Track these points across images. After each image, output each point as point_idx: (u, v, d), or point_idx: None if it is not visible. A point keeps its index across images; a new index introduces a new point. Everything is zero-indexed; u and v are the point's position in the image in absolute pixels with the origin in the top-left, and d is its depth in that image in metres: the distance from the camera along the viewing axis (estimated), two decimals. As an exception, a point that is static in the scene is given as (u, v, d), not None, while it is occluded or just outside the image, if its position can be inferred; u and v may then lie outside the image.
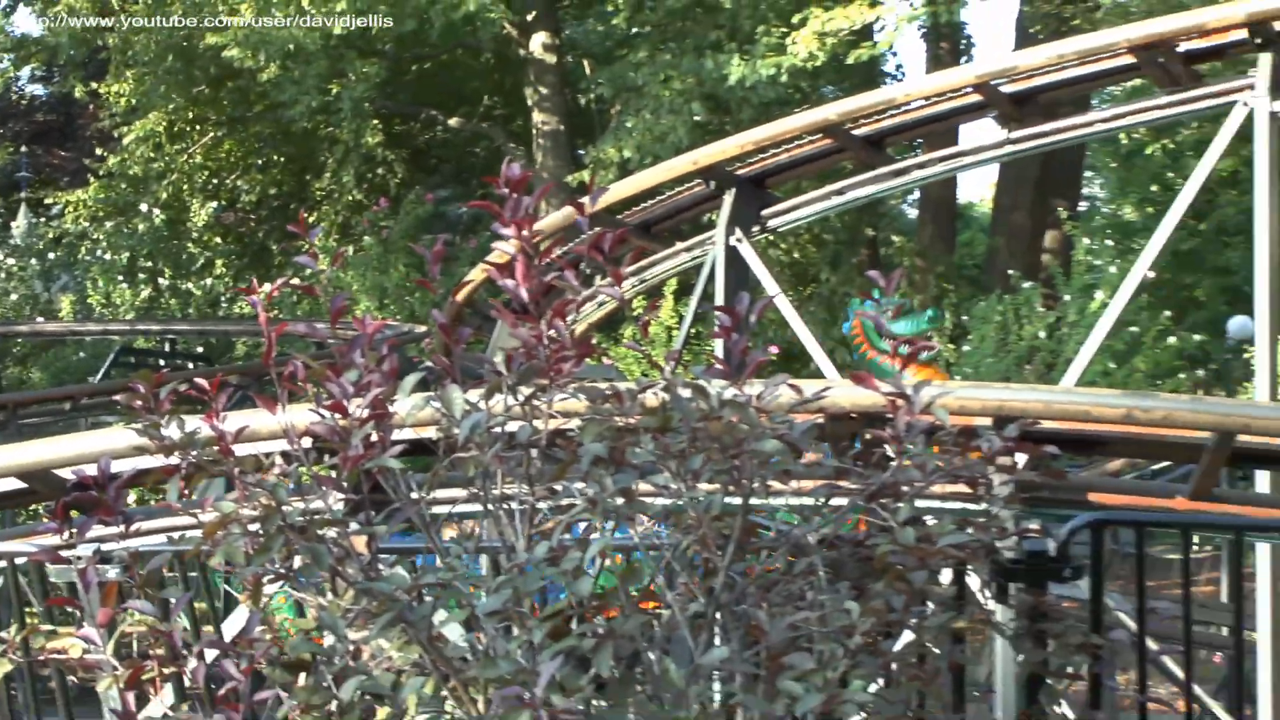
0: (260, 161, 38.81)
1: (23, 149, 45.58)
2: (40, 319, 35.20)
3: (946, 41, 34.42)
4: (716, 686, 5.38)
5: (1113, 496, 10.19)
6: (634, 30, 31.99)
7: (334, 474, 5.23)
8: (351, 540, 5.22)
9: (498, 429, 5.29)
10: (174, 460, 5.37)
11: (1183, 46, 13.59)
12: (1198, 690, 12.74)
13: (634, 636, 5.07)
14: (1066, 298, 26.59)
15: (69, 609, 6.61)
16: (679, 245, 16.71)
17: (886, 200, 30.45)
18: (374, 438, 5.21)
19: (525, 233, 5.35)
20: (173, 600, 5.26)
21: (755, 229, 15.66)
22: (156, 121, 35.98)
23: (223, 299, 35.19)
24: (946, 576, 6.22)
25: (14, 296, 36.74)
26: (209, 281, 35.95)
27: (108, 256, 36.28)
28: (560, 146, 32.92)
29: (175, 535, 6.88)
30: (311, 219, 34.93)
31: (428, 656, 5.10)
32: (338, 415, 5.20)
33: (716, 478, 5.41)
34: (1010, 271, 29.67)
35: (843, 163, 16.16)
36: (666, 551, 5.38)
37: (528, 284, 5.36)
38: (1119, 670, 7.44)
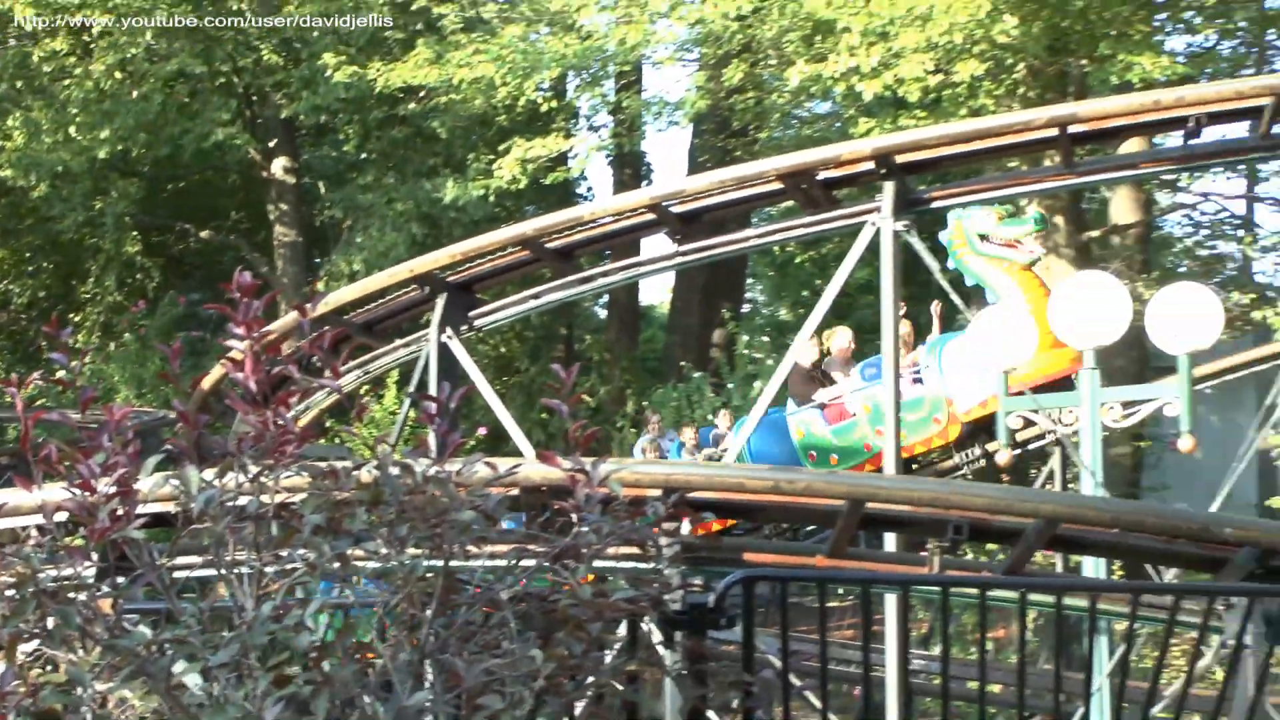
0: (31, 268, 38.16)
1: None
2: None
3: (630, 167, 34.84)
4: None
5: (763, 555, 10.41)
6: (363, 156, 32.03)
7: (85, 544, 5.22)
8: (99, 603, 5.20)
9: (230, 503, 5.32)
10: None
11: (821, 175, 13.94)
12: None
13: (348, 683, 5.11)
14: (730, 385, 27.04)
15: None
16: (398, 342, 16.75)
17: (579, 302, 30.68)
18: (120, 512, 5.20)
19: (254, 333, 5.40)
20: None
21: (464, 328, 15.74)
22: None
23: (-3, 391, 34.33)
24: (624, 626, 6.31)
25: None
26: (-18, 376, 35.17)
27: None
28: (299, 257, 32.77)
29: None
30: (77, 319, 34.57)
31: (166, 704, 5.09)
32: (87, 493, 5.20)
33: (422, 543, 5.48)
34: (683, 363, 30.07)
35: (541, 270, 16.26)
36: (379, 608, 5.44)
37: (255, 377, 5.41)
38: (775, 704, 7.56)
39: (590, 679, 5.63)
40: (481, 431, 15.12)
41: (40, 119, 29.78)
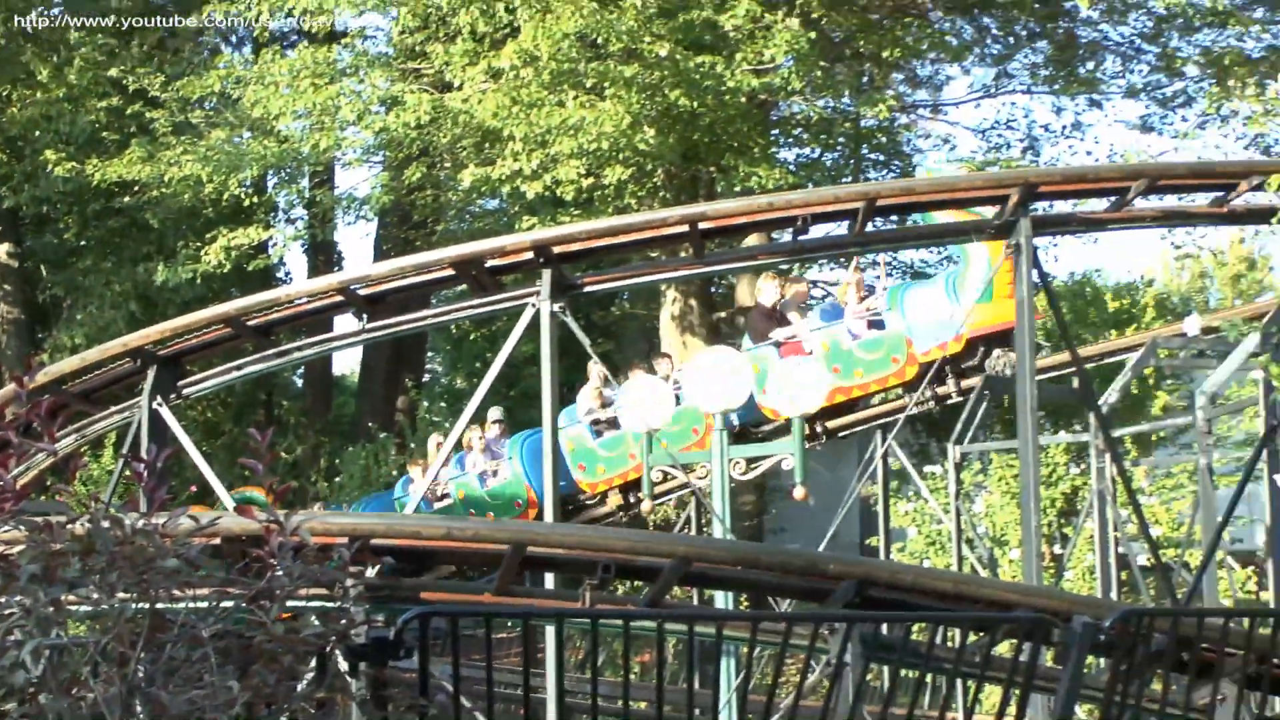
0: None
1: None
2: None
3: (323, 254, 34.53)
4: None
5: (439, 594, 10.40)
6: (82, 243, 31.26)
7: None
8: None
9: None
10: None
11: (489, 263, 14.03)
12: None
13: (63, 716, 4.98)
14: (412, 445, 27.00)
15: None
16: (113, 408, 16.32)
17: (279, 371, 30.25)
18: None
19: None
20: None
21: (173, 396, 15.43)
22: None
23: None
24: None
25: None
26: None
27: None
28: (23, 333, 31.73)
29: None
30: None
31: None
32: None
33: (131, 588, 5.39)
34: (371, 425, 29.89)
35: (243, 344, 16.04)
36: (91, 647, 5.32)
37: (-24, 443, 5.29)
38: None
39: (284, 706, 5.60)
40: (193, 489, 14.81)
41: None
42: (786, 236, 14.56)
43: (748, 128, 24.59)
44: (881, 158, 29.91)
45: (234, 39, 32.52)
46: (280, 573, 5.66)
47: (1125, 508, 17.75)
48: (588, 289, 14.35)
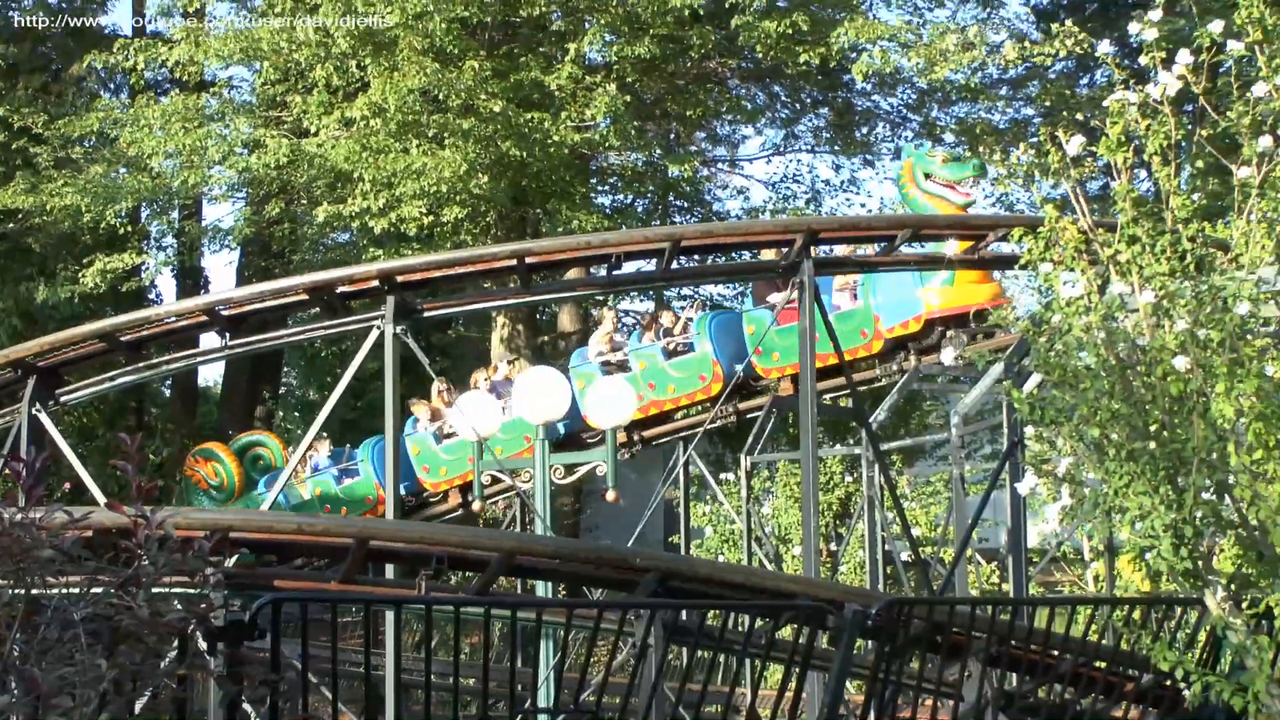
0: None
1: None
2: None
3: (191, 279, 33.74)
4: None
5: (291, 583, 10.22)
6: (-32, 265, 30.45)
7: None
8: None
9: None
10: None
11: (339, 289, 13.85)
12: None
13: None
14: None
15: None
16: (-3, 413, 15.84)
17: (149, 382, 29.53)
18: None
19: None
20: None
21: (52, 403, 15.00)
22: None
23: None
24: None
25: None
26: None
27: None
28: (-93, 346, 30.73)
29: None
30: None
31: None
32: None
33: (8, 576, 5.26)
34: (231, 431, 29.38)
35: (117, 358, 15.62)
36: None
37: None
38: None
39: (149, 682, 5.50)
40: (66, 486, 14.38)
41: None
42: (602, 271, 14.57)
43: (570, 176, 24.66)
44: (685, 204, 30.15)
45: (112, 85, 31.89)
46: (146, 562, 5.55)
47: (891, 511, 18.04)
48: (427, 314, 14.23)
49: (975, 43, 25.18)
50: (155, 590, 5.60)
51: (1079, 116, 22.67)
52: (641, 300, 31.44)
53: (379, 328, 13.28)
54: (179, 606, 5.65)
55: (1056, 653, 8.50)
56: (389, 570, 13.40)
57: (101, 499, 14.91)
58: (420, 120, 22.66)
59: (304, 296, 14.17)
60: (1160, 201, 7.29)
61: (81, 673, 5.07)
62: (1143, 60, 7.62)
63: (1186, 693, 6.98)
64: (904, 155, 18.00)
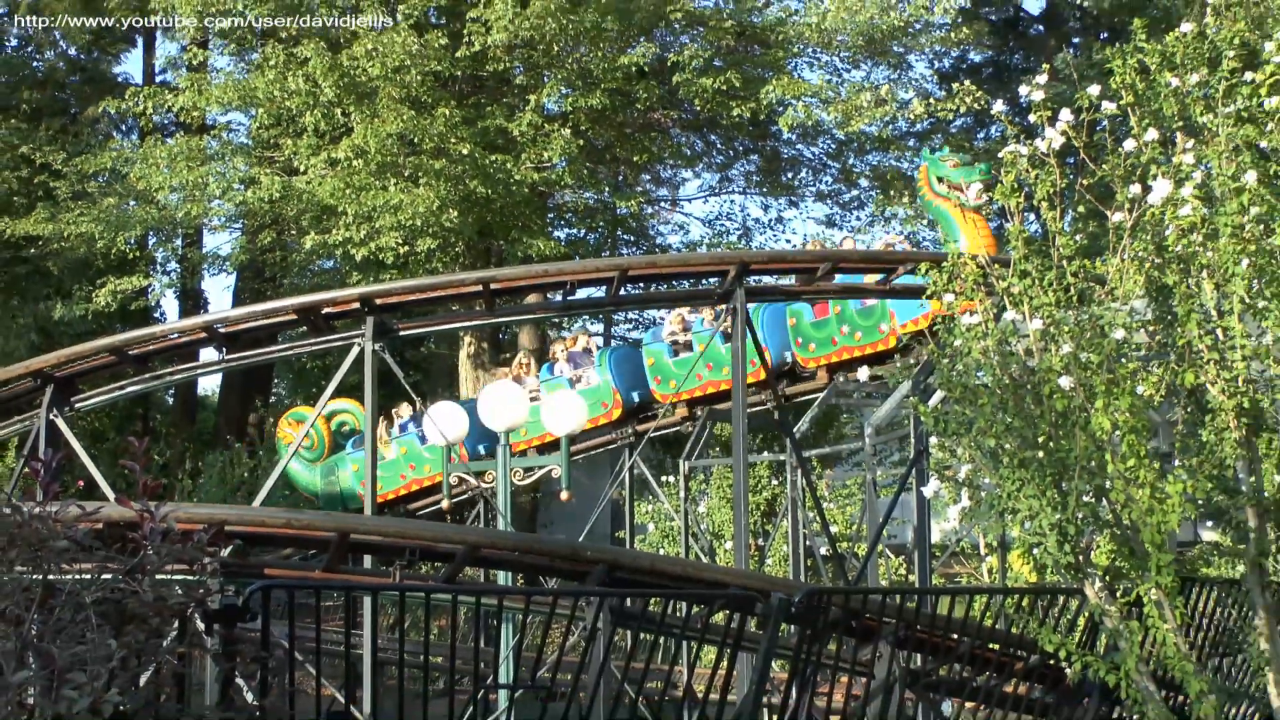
0: None
1: None
2: None
3: (192, 300, 33.44)
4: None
5: (280, 571, 10.15)
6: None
7: None
8: None
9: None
10: None
11: (324, 310, 13.75)
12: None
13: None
14: (260, 453, 26.37)
15: None
16: (16, 418, 15.60)
17: (154, 391, 29.22)
18: None
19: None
20: None
21: (67, 409, 14.82)
22: None
23: None
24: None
25: None
26: None
27: None
28: (-65, 356, 30.34)
29: None
30: None
31: None
32: None
33: (27, 563, 5.22)
34: (228, 436, 29.14)
35: (125, 370, 15.44)
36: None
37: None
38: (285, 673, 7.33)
39: (152, 659, 5.45)
40: (80, 484, 14.22)
41: None
42: (558, 297, 14.54)
43: (530, 211, 24.68)
44: (632, 238, 30.23)
45: (124, 127, 31.75)
46: (151, 552, 5.52)
47: (812, 511, 18.09)
48: (403, 333, 14.16)
49: (887, 99, 25.40)
50: (158, 577, 5.57)
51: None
52: (593, 322, 31.49)
53: (359, 345, 13.20)
54: (179, 591, 5.62)
55: (956, 636, 8.54)
56: (367, 560, 13.32)
57: (111, 495, 14.78)
58: (398, 161, 22.66)
59: (293, 316, 14.06)
60: (1047, 241, 7.36)
61: (93, 650, 5.04)
62: (1032, 118, 7.71)
63: (1068, 670, 7.03)
64: (921, 161, 17.27)
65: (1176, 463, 6.95)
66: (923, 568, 13.65)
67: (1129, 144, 7.33)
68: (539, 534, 24.72)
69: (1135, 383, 6.65)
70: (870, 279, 14.75)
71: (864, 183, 29.88)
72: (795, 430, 17.32)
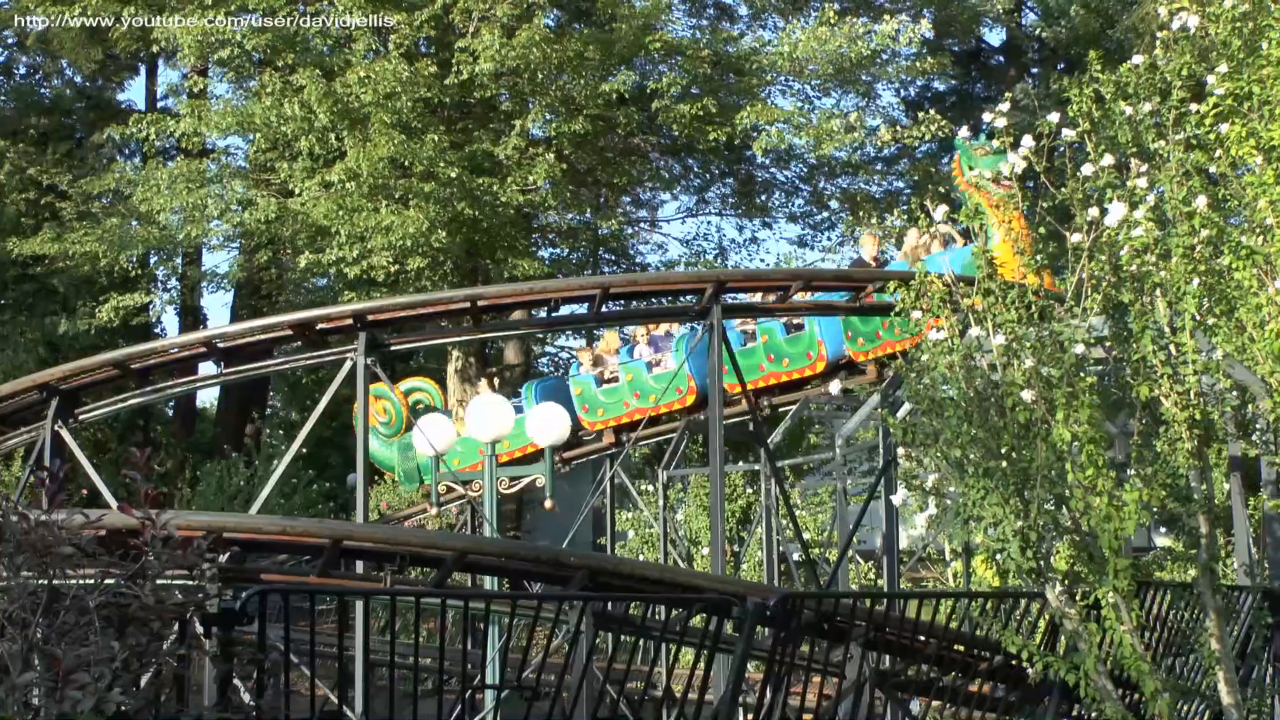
0: None
1: None
2: None
3: (191, 315, 33.32)
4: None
5: (276, 576, 10.09)
6: (2, 301, 29.96)
7: None
8: None
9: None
10: None
11: (319, 326, 13.65)
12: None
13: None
14: (256, 462, 26.23)
15: None
16: (23, 429, 15.48)
17: (155, 403, 29.11)
18: None
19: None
20: None
21: (72, 420, 14.72)
22: None
23: None
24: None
25: None
26: None
27: None
28: (-52, 370, 30.17)
29: None
30: None
31: None
32: None
33: (33, 568, 5.19)
34: (225, 446, 28.99)
35: (127, 383, 15.34)
36: (-1, 614, 5.08)
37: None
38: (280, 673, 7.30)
39: (153, 660, 5.42)
40: (84, 492, 14.13)
41: None
42: (542, 313, 14.52)
43: (515, 232, 24.68)
44: (613, 257, 30.26)
45: (127, 151, 31.70)
46: (152, 558, 5.49)
47: (785, 518, 18.08)
48: (393, 348, 14.11)
49: (856, 126, 25.51)
50: (159, 582, 5.54)
51: (942, 189, 22.99)
52: (575, 338, 31.49)
53: (352, 359, 13.14)
54: (179, 596, 5.59)
55: (923, 638, 8.55)
56: (359, 566, 13.26)
57: (113, 503, 14.67)
58: (389, 184, 22.64)
59: (288, 332, 13.99)
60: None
61: (96, 652, 5.02)
62: (994, 144, 7.75)
63: (1030, 671, 7.04)
64: (955, 148, 16.29)
65: (1132, 472, 6.97)
66: (891, 573, 13.65)
67: (1086, 169, 7.37)
68: (524, 541, 24.66)
69: (1094, 395, 6.67)
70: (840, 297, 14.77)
71: (834, 204, 29.99)
72: (770, 441, 17.32)
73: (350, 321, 13.35)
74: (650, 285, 16.09)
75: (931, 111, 25.80)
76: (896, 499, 7.23)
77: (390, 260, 22.60)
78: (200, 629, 6.08)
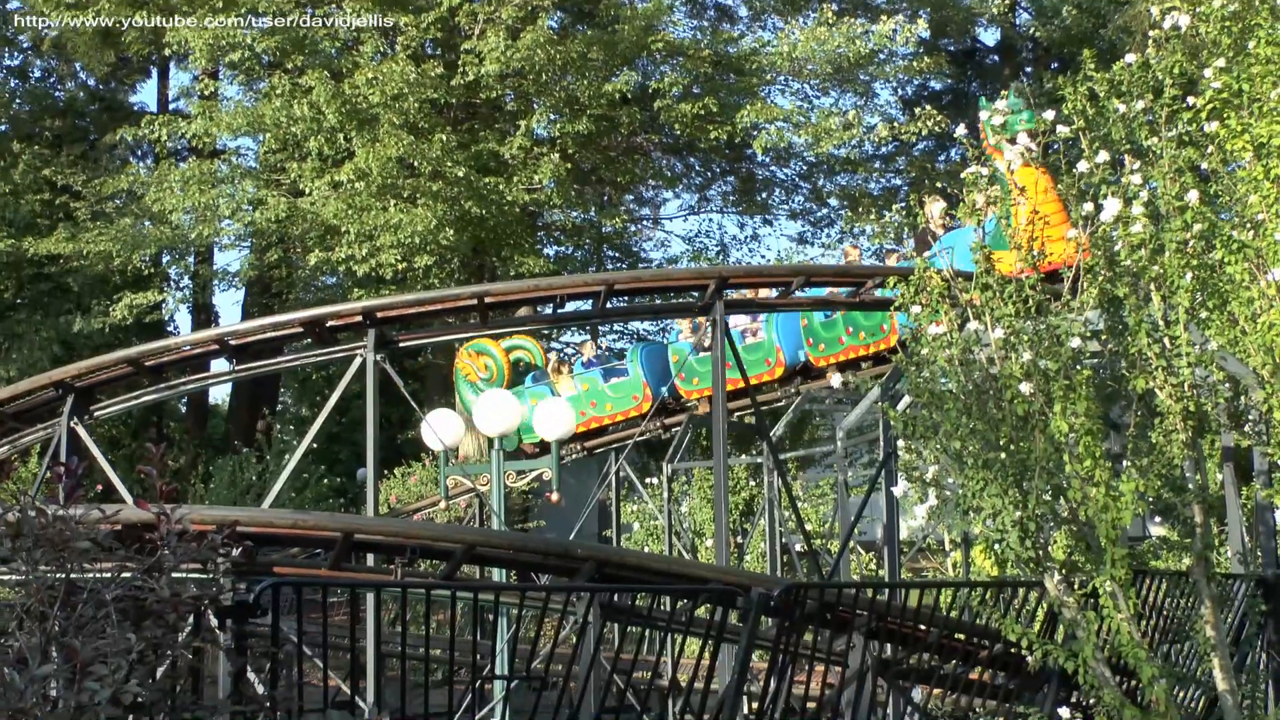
0: None
1: None
2: None
3: (204, 313, 33.36)
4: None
5: (288, 569, 10.10)
6: (19, 300, 29.96)
7: None
8: None
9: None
10: None
11: (328, 323, 13.63)
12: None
13: (-7, 659, 4.74)
14: (268, 458, 26.24)
15: None
16: (39, 426, 15.49)
17: (168, 400, 29.16)
18: None
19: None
20: None
21: (87, 417, 14.71)
22: None
23: None
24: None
25: None
26: None
27: None
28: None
29: None
30: None
31: None
32: None
33: (50, 562, 5.19)
34: (237, 442, 29.00)
35: (141, 380, 15.36)
36: (18, 607, 5.08)
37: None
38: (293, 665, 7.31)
39: (168, 652, 5.43)
40: (99, 487, 14.12)
41: None
42: (548, 310, 14.52)
43: (520, 230, 24.68)
44: (617, 254, 30.26)
45: (140, 152, 31.73)
46: (167, 552, 5.50)
47: (787, 510, 18.08)
48: (402, 344, 14.10)
49: (854, 124, 25.48)
50: (174, 575, 5.54)
51: (939, 185, 22.97)
52: (580, 334, 31.50)
53: (361, 356, 13.14)
54: (194, 589, 5.59)
55: (924, 627, 8.55)
56: (370, 559, 13.27)
57: (129, 498, 14.69)
58: (397, 183, 22.64)
59: (299, 329, 13.99)
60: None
61: (113, 645, 5.01)
62: (991, 140, 7.74)
63: (1029, 658, 7.04)
64: (980, 110, 15.63)
65: (1128, 463, 6.98)
66: (892, 563, 13.64)
67: (1081, 165, 7.37)
68: (531, 533, 24.69)
69: (1091, 388, 6.67)
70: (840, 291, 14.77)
71: (834, 201, 29.99)
72: (772, 434, 17.32)
73: (360, 318, 13.35)
74: (654, 281, 16.06)
75: (928, 109, 25.80)
76: (897, 491, 7.23)
77: (398, 258, 22.60)
78: (215, 621, 6.09)
